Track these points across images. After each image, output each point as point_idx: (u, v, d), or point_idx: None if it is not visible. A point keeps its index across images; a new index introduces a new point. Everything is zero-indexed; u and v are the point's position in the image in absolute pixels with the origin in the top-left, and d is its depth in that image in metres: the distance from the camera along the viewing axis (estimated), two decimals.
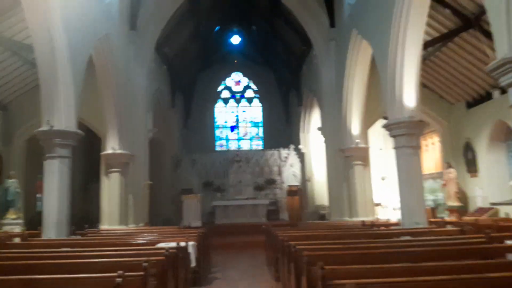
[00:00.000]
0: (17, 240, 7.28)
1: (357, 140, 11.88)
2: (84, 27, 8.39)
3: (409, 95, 8.08)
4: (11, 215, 9.63)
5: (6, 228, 9.19)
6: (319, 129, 14.17)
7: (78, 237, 7.26)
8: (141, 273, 3.32)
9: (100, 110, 11.02)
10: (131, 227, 10.97)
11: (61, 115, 7.39)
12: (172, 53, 17.42)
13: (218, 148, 23.04)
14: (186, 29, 17.24)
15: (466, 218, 9.82)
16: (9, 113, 12.34)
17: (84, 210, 15.24)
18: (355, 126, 12.05)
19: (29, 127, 11.85)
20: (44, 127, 7.25)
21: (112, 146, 11.05)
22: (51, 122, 7.27)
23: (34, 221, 10.44)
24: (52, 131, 7.23)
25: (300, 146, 18.74)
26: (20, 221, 9.74)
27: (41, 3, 6.89)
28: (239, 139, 23.55)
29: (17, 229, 9.14)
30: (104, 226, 10.67)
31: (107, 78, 10.63)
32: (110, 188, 11.03)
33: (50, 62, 7.22)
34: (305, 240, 5.84)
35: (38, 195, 12.95)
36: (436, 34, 10.16)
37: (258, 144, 23.46)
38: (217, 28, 20.91)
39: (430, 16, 8.58)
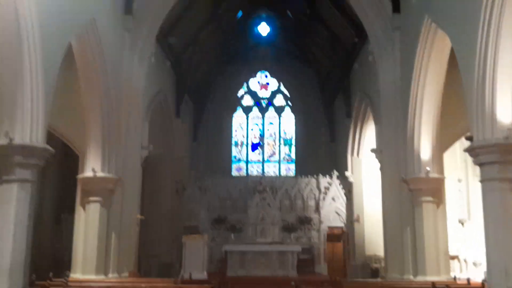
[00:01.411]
0: None
1: (427, 168, 11.50)
2: (62, 7, 8.38)
3: (504, 108, 7.69)
4: None
5: None
6: (374, 150, 13.93)
7: None
8: None
9: (81, 119, 11.06)
10: (112, 278, 10.78)
11: (25, 124, 7.28)
12: (180, 46, 17.60)
13: (235, 173, 23.10)
14: (199, 14, 17.41)
15: None
16: None
17: (56, 249, 15.25)
18: (425, 148, 11.72)
19: None
20: (1, 141, 7.16)
21: (92, 167, 11.00)
22: (11, 134, 7.16)
23: None
24: (11, 146, 7.12)
25: (347, 174, 18.48)
26: None
27: None
28: (263, 162, 23.46)
29: None
30: (76, 274, 10.53)
31: (91, 76, 10.64)
32: (87, 224, 10.95)
33: (12, 51, 7.15)
34: None
35: None
36: None
37: (289, 169, 23.39)
38: (239, 13, 21.04)
39: None
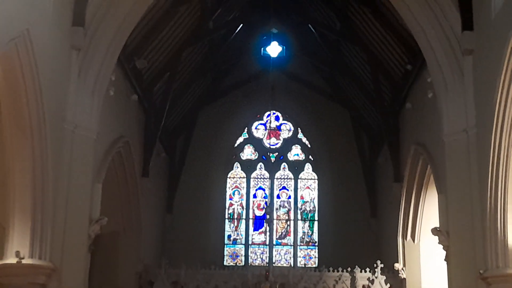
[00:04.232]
0: None
1: None
2: None
3: None
4: None
5: None
6: (437, 232, 13.80)
7: None
8: None
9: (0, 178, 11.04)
10: None
11: None
12: (152, 72, 17.86)
13: (228, 262, 23.00)
14: (181, 27, 17.71)
15: None
16: None
17: None
18: None
19: None
20: None
21: (16, 250, 10.87)
22: None
23: None
24: None
25: (397, 266, 18.26)
26: None
27: None
28: (272, 245, 23.21)
29: None
30: None
31: (18, 113, 10.64)
32: None
33: None
34: None
35: None
36: None
37: (309, 257, 23.26)
38: (239, 26, 21.40)
39: None
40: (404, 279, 17.97)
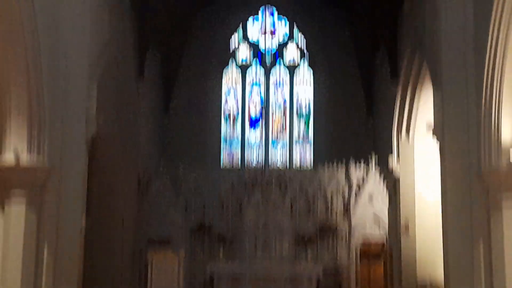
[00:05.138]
0: None
1: None
2: None
3: None
4: None
5: None
6: (432, 129, 13.90)
7: None
8: None
9: None
10: None
11: None
12: None
13: (225, 161, 23.36)
14: None
15: None
16: None
17: None
18: (508, 124, 11.68)
19: None
20: None
21: (14, 150, 10.96)
22: None
23: None
24: None
25: (391, 162, 18.43)
26: None
27: None
28: (267, 144, 23.47)
29: None
30: None
31: (11, 16, 10.44)
32: (7, 232, 10.96)
33: None
34: None
35: None
36: None
37: (305, 155, 23.58)
38: None
39: None
40: (398, 174, 18.28)
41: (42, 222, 11.43)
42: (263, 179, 18.89)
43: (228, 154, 23.46)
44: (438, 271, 15.32)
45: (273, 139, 23.63)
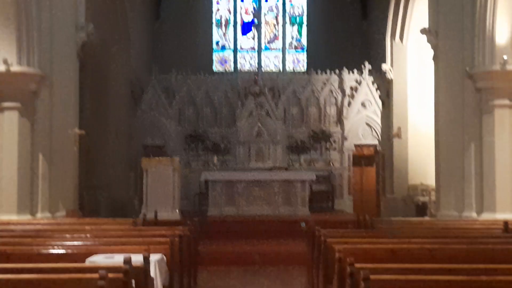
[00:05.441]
0: None
1: (504, 57, 11.46)
2: None
3: None
4: None
5: None
6: (426, 32, 13.76)
7: None
8: None
9: None
10: (43, 218, 10.91)
11: None
12: None
13: (217, 67, 23.15)
14: None
15: None
16: None
17: None
18: (502, 28, 11.64)
19: None
20: None
21: (4, 58, 10.86)
22: None
23: None
24: None
25: (385, 67, 18.56)
26: None
27: None
28: (260, 50, 23.30)
29: None
30: None
31: None
32: (1, 140, 11.02)
33: None
34: (390, 262, 5.79)
35: None
36: None
37: (298, 61, 23.37)
38: None
39: None
40: (391, 79, 18.28)
41: (35, 130, 11.46)
42: (256, 86, 18.79)
43: (221, 60, 23.27)
44: (429, 174, 15.56)
45: (266, 44, 23.38)
